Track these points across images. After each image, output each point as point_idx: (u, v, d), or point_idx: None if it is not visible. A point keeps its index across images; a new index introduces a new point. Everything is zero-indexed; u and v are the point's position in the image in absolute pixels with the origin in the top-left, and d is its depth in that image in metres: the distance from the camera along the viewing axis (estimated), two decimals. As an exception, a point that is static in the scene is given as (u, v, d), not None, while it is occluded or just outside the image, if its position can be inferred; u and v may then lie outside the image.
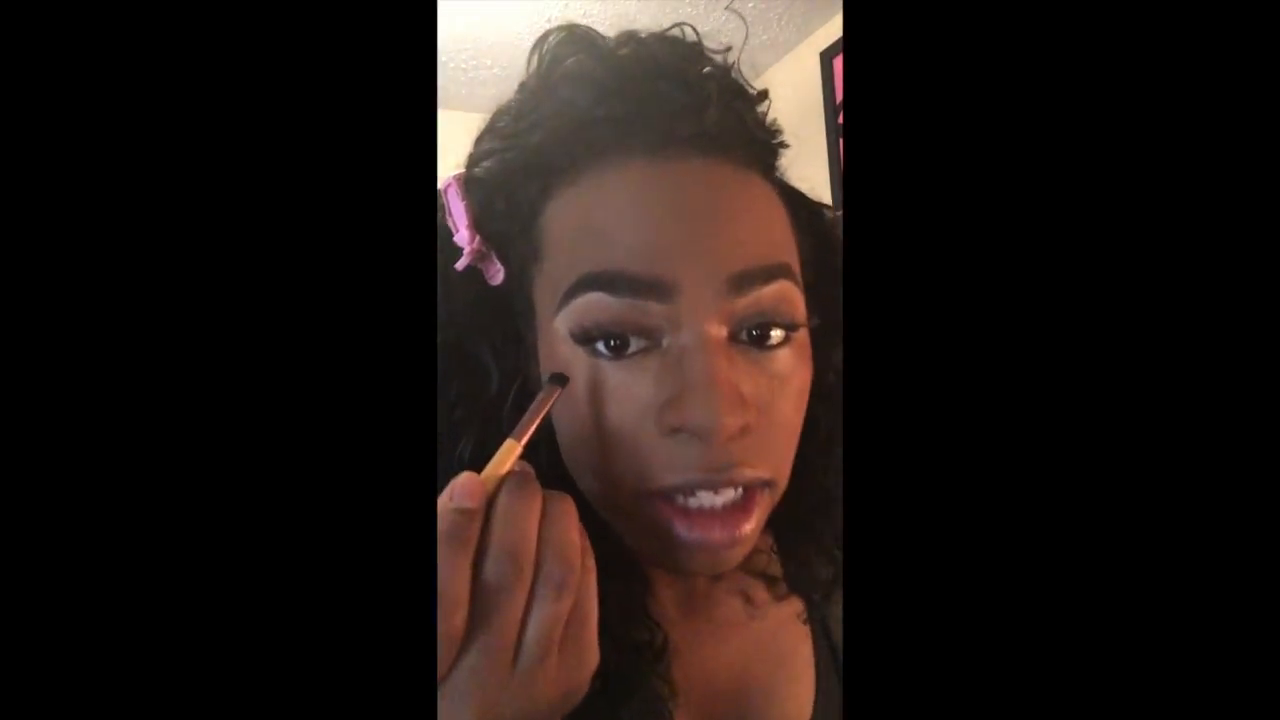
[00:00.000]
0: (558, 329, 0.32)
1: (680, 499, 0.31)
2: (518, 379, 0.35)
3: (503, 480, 0.27)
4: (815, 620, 0.43)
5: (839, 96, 1.72)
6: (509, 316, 0.36)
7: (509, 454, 0.28)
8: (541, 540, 0.26)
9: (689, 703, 0.37)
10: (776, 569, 0.44)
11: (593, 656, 0.27)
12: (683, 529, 0.31)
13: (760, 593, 0.43)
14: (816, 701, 0.41)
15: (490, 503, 0.26)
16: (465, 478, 0.26)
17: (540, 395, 0.30)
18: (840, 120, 1.72)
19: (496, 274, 0.35)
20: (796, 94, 1.81)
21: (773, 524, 0.41)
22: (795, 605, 0.43)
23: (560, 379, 0.31)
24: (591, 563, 0.27)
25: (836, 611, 0.44)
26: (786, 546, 0.43)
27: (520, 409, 0.33)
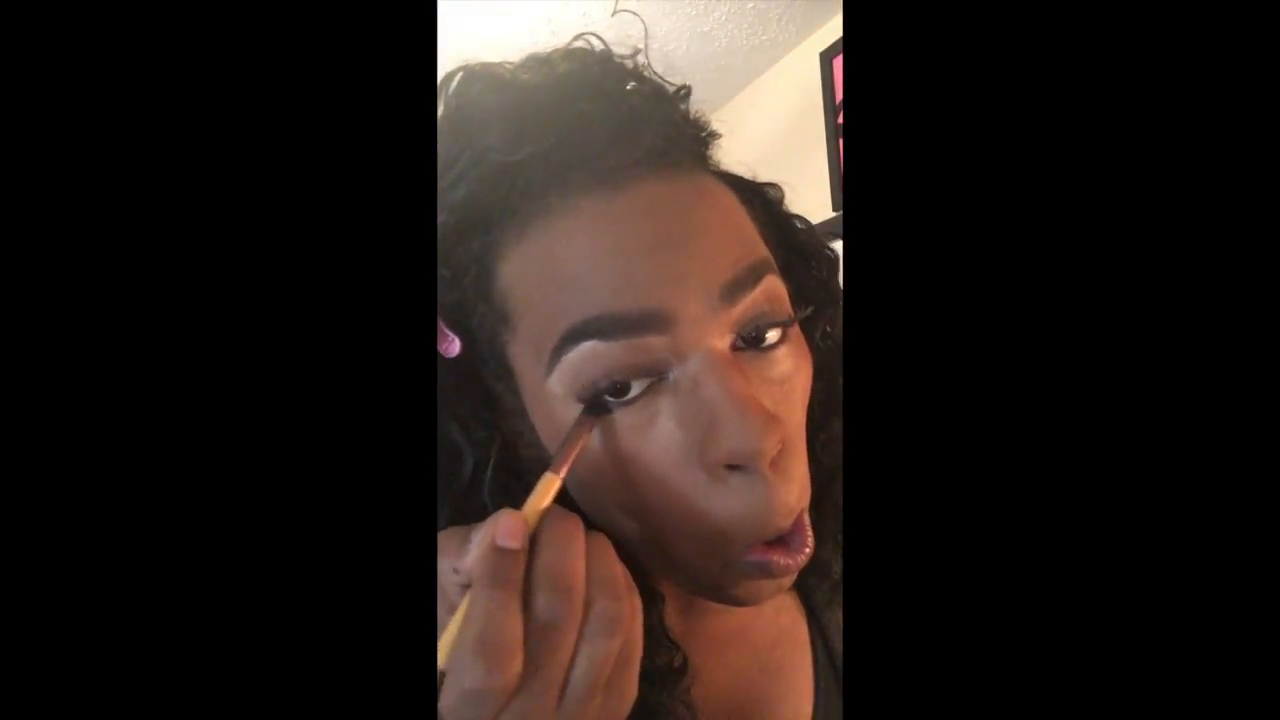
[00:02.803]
0: (553, 390, 0.30)
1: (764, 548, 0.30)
2: (494, 452, 0.33)
3: (543, 516, 0.26)
4: (814, 627, 0.43)
5: (839, 96, 1.72)
6: (475, 385, 0.33)
7: (549, 488, 0.27)
8: (589, 576, 0.25)
9: (700, 715, 0.36)
10: None
11: (633, 691, 0.27)
12: (771, 562, 0.30)
13: None
14: (815, 706, 0.40)
15: (531, 540, 0.26)
16: (506, 515, 0.25)
17: (573, 428, 0.29)
18: (840, 120, 1.72)
19: (451, 346, 0.33)
20: (796, 94, 1.81)
21: None
22: (795, 609, 0.43)
23: (596, 409, 0.29)
24: (638, 602, 0.26)
25: (834, 619, 0.43)
26: None
27: (505, 480, 0.32)
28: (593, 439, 0.30)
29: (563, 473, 0.28)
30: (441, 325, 0.33)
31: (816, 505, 0.40)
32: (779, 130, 1.79)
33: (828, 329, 0.39)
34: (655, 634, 0.35)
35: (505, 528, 0.25)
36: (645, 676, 0.33)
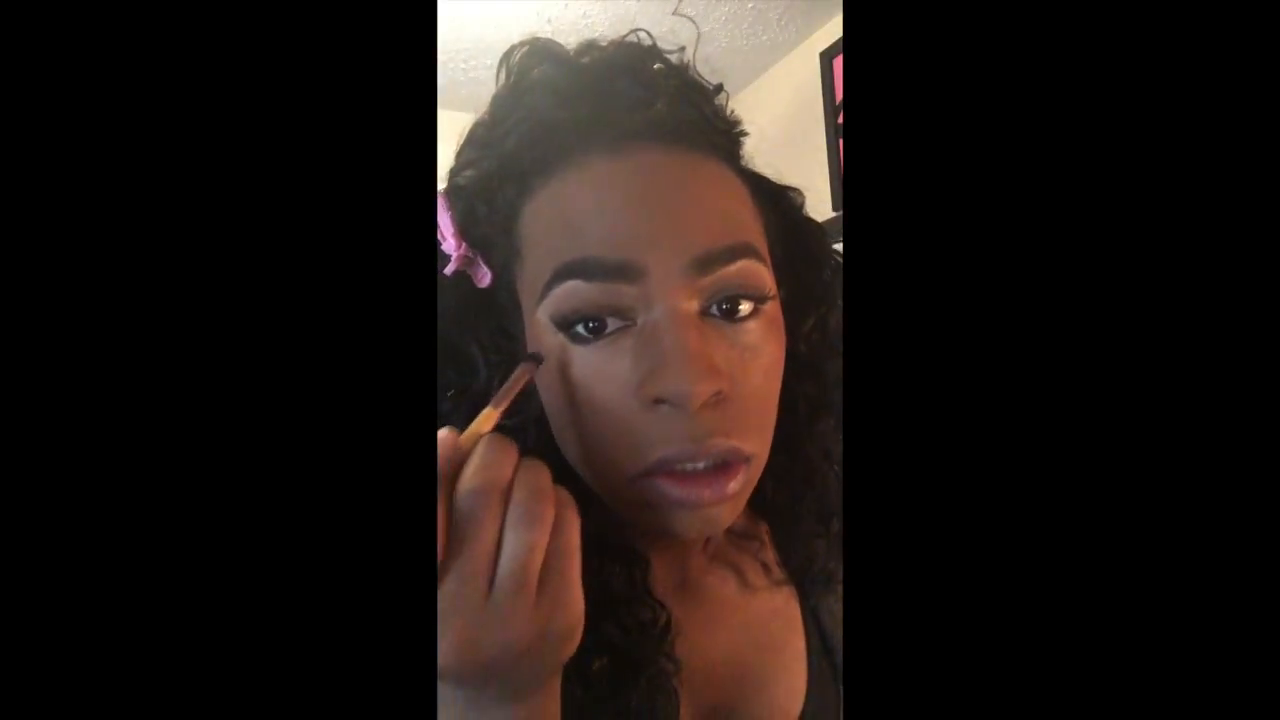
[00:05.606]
0: (540, 319, 0.34)
1: (667, 467, 0.32)
2: (502, 369, 0.37)
3: (480, 439, 0.28)
4: (807, 611, 0.45)
5: (839, 96, 1.72)
6: (495, 314, 0.38)
7: (488, 419, 0.30)
8: (515, 483, 0.27)
9: (690, 681, 0.38)
10: (770, 556, 0.45)
11: (574, 603, 0.28)
12: (673, 489, 0.32)
13: (756, 576, 0.45)
14: (809, 689, 0.42)
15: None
16: (442, 431, 0.28)
17: (516, 370, 0.32)
18: (840, 120, 1.72)
19: (484, 277, 0.37)
20: (796, 94, 1.81)
21: (765, 510, 0.44)
22: (787, 593, 0.45)
23: (536, 357, 0.33)
24: (573, 514, 0.28)
25: (827, 603, 0.45)
26: (779, 527, 0.45)
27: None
28: (564, 368, 0.33)
29: (501, 408, 0.31)
30: (479, 258, 0.37)
31: (800, 499, 0.43)
32: (779, 130, 1.79)
33: (817, 326, 0.41)
34: (637, 591, 0.37)
35: (439, 439, 0.27)
36: (627, 629, 0.36)
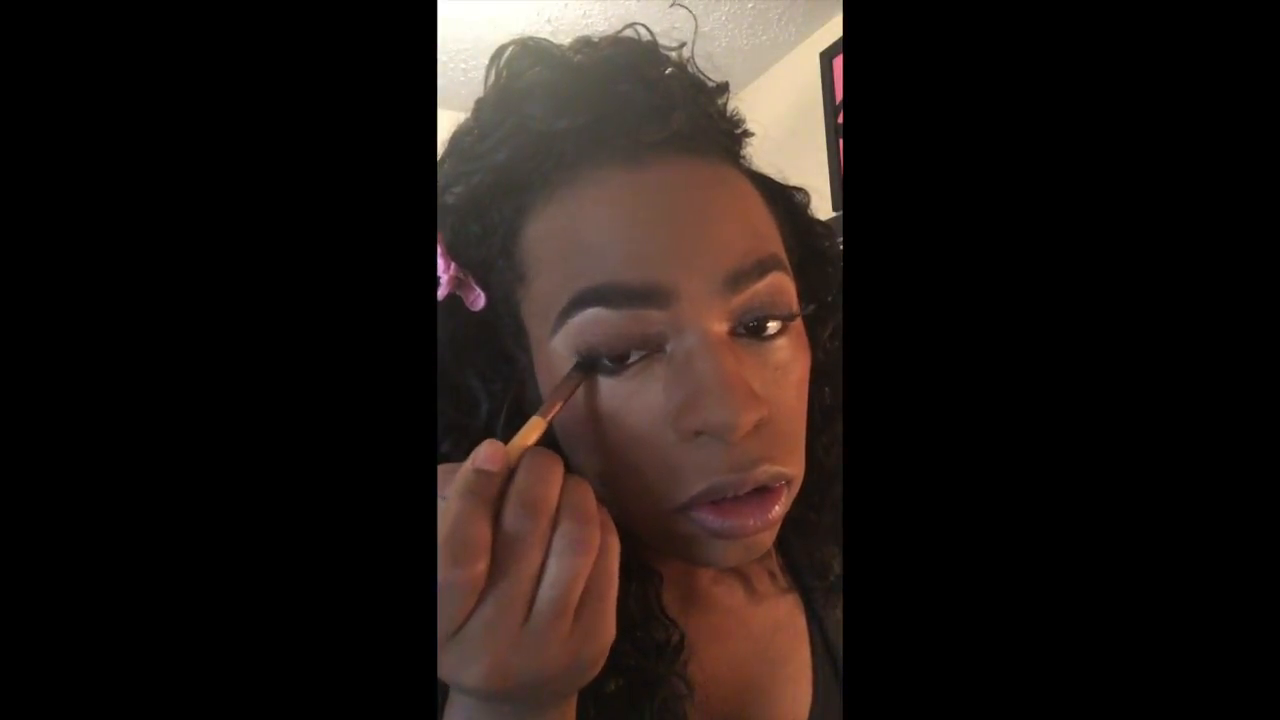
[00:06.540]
0: (556, 349, 0.31)
1: (708, 498, 0.31)
2: (507, 402, 0.35)
3: (525, 452, 0.27)
4: (813, 621, 0.44)
5: (839, 96, 1.72)
6: (495, 340, 0.35)
7: (534, 429, 0.29)
8: (561, 503, 0.26)
9: (699, 695, 0.37)
10: (776, 563, 0.45)
11: (607, 630, 0.27)
12: (714, 520, 0.31)
13: (763, 584, 0.44)
14: (814, 702, 0.41)
15: (512, 472, 0.27)
16: (488, 444, 0.27)
17: (564, 379, 0.30)
18: (840, 120, 1.72)
19: (477, 300, 0.34)
20: (796, 94, 1.81)
21: None
22: (793, 605, 0.44)
23: (585, 366, 0.31)
24: (614, 540, 0.27)
25: (834, 614, 0.44)
26: (792, 536, 0.44)
27: (513, 431, 0.33)
28: (585, 398, 0.31)
29: (548, 417, 0.29)
30: (470, 279, 0.34)
31: (816, 507, 0.42)
32: (779, 130, 1.79)
33: (835, 333, 0.40)
34: (652, 610, 0.36)
35: (485, 454, 0.26)
36: (643, 649, 0.34)
